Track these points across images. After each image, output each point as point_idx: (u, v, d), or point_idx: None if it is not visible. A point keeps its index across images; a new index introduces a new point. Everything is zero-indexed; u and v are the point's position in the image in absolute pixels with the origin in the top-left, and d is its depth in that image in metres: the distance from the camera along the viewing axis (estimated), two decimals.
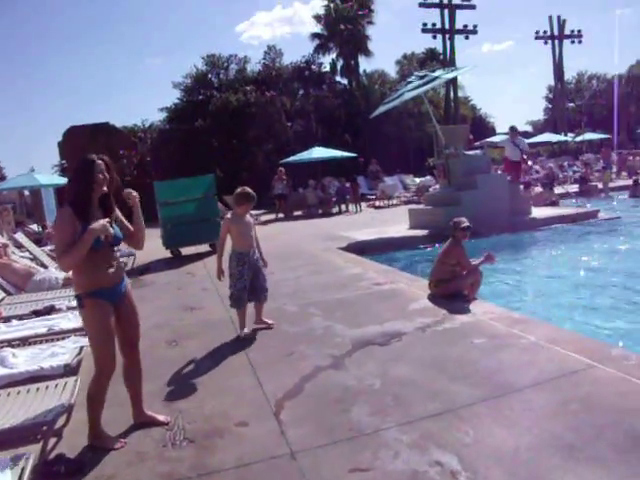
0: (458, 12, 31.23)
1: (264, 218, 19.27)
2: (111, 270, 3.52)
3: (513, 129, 15.40)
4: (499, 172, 16.44)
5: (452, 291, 6.23)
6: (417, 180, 24.20)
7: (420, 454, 3.09)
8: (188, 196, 11.91)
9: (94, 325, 3.47)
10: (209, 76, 34.59)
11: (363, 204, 21.12)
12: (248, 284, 5.62)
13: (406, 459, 3.06)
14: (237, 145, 28.27)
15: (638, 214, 14.80)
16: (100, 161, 3.47)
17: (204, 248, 12.24)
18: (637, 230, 12.30)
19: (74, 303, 6.13)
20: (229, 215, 5.77)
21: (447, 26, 31.06)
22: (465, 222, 6.40)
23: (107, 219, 3.46)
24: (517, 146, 14.97)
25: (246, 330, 5.67)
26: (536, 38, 37.35)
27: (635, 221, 13.54)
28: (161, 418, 3.80)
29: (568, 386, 3.72)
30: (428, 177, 23.30)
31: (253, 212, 19.39)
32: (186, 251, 12.06)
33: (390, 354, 4.71)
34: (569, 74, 51.04)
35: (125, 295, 3.65)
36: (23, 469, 2.67)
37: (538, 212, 13.52)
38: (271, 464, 3.16)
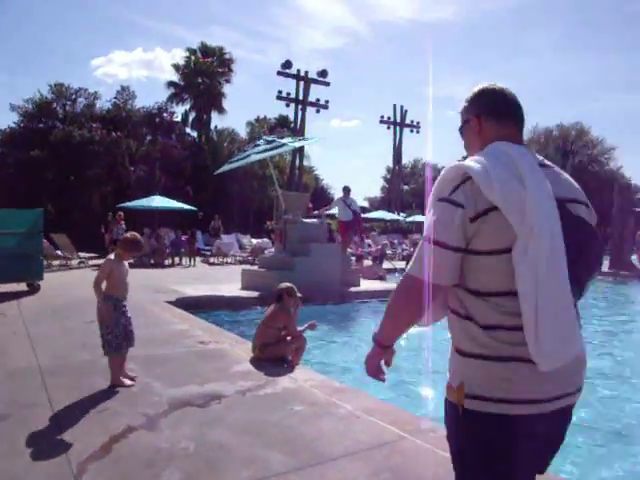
0: (313, 86, 32.81)
1: (93, 262, 18.29)
2: None
3: (345, 189, 15.92)
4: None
5: (277, 355, 6.24)
6: (254, 241, 24.44)
7: None
8: (10, 229, 10.94)
9: None
10: (54, 105, 32.96)
11: (198, 259, 20.85)
12: (122, 330, 5.28)
13: None
14: (74, 182, 26.90)
15: None
16: None
17: (22, 287, 11.29)
18: None
19: None
20: (112, 256, 5.45)
21: (301, 97, 32.39)
22: (296, 291, 6.57)
23: None
24: (348, 206, 15.48)
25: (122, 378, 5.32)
26: (380, 122, 40.27)
27: None
28: None
29: (380, 456, 3.80)
30: (265, 239, 23.65)
31: (82, 254, 18.58)
32: (0, 288, 11.01)
33: (208, 417, 4.55)
34: (406, 158, 55.31)
35: None
36: None
37: (366, 285, 14.12)
38: None
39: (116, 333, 5.26)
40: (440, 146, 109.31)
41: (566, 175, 2.00)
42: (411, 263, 1.87)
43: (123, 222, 20.19)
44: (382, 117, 40.21)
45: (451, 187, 1.77)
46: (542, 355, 1.69)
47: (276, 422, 4.42)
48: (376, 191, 69.50)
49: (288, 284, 6.73)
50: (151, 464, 3.65)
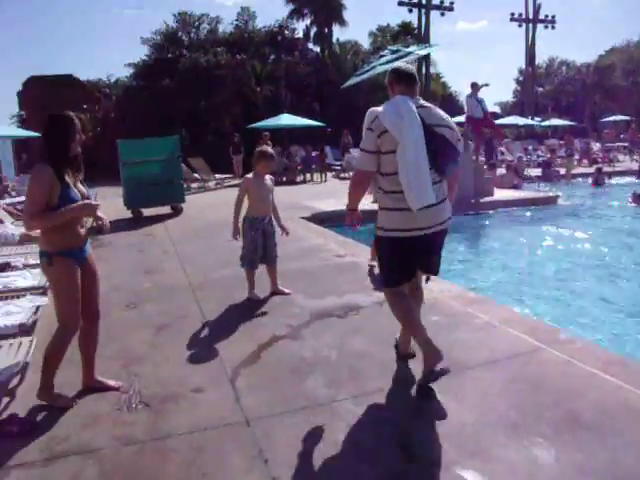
0: None
1: (229, 183, 19.11)
2: (82, 230, 3.51)
3: (474, 85, 14.78)
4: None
5: None
6: None
7: (369, 427, 3.19)
8: (152, 157, 11.65)
9: (63, 284, 3.43)
10: (179, 34, 33.78)
11: (329, 175, 21.10)
12: (260, 249, 5.57)
13: (354, 431, 3.14)
14: (205, 106, 27.78)
15: (598, 201, 15.17)
16: (77, 120, 3.44)
17: (166, 210, 12.12)
18: (595, 217, 12.65)
19: (31, 261, 6.06)
20: (250, 175, 5.61)
21: (424, 1, 30.85)
22: None
23: (97, 202, 3.54)
24: (480, 103, 14.43)
25: (256, 292, 5.69)
26: (511, 20, 37.48)
27: (594, 208, 13.91)
28: (112, 383, 3.79)
29: (516, 366, 3.86)
30: None
31: (218, 176, 19.43)
32: (147, 212, 11.91)
33: (347, 326, 4.79)
34: (540, 58, 51.33)
35: (88, 257, 3.62)
36: None
37: (500, 194, 13.72)
38: (225, 430, 3.21)
39: (250, 249, 5.54)
40: (579, 40, 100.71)
41: (437, 110, 3.62)
42: (355, 163, 3.69)
43: (269, 143, 20.64)
44: (512, 14, 37.37)
45: (369, 121, 3.52)
46: (412, 203, 3.34)
47: None
48: (507, 95, 65.83)
49: None
50: (296, 370, 3.95)
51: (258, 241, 5.54)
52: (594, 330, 5.75)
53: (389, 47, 15.85)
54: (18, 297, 4.81)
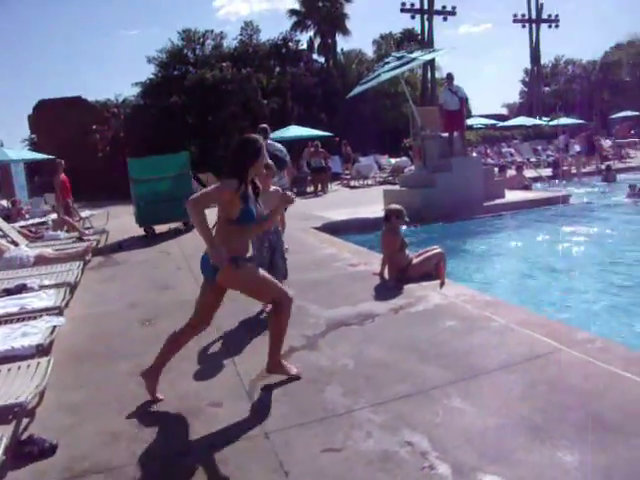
0: None
1: None
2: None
3: (449, 76, 14.41)
4: (474, 154, 16.34)
5: (419, 274, 6.27)
6: (392, 161, 24.10)
7: (391, 434, 3.15)
8: (162, 173, 11.76)
9: (254, 278, 3.89)
10: (185, 51, 33.99)
11: (337, 184, 21.14)
12: (267, 261, 5.52)
13: (378, 439, 3.11)
14: (212, 122, 27.95)
15: (609, 199, 15.07)
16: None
17: (178, 226, 12.18)
18: (607, 215, 12.56)
19: (46, 282, 6.10)
20: None
21: (426, 6, 30.96)
22: (404, 214, 6.50)
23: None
24: (455, 93, 13.84)
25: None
26: (514, 21, 37.63)
27: (606, 206, 13.82)
28: (294, 372, 4.05)
29: (536, 369, 3.81)
30: (404, 158, 23.17)
31: None
32: (159, 229, 11.97)
33: (363, 335, 4.77)
34: (545, 58, 51.17)
35: None
36: None
37: (511, 195, 13.66)
38: (245, 444, 3.20)
39: (256, 263, 5.47)
40: (584, 38, 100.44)
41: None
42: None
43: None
44: (515, 15, 37.49)
45: None
46: None
47: (429, 338, 4.54)
48: (514, 97, 65.52)
49: (397, 206, 6.62)
50: (315, 381, 3.94)
51: (265, 253, 5.52)
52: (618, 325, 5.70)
53: (393, 54, 15.89)
54: (35, 318, 4.83)
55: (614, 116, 41.73)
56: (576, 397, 3.36)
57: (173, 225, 12.21)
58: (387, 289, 6.06)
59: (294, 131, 23.81)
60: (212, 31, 35.18)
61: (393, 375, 3.92)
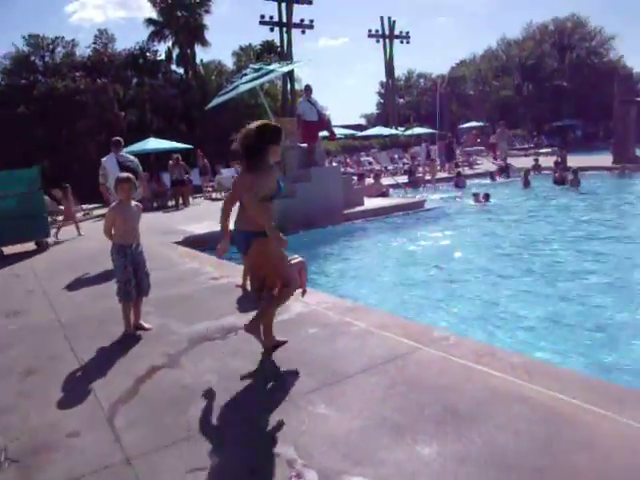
0: (295, 6, 31.72)
1: (98, 212, 18.30)
2: None
3: (307, 87, 14.61)
4: (334, 163, 16.74)
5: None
6: None
7: (258, 447, 3.11)
8: (9, 190, 10.92)
9: (279, 253, 4.25)
10: (32, 58, 32.09)
11: (200, 197, 20.87)
12: (132, 276, 5.23)
13: (245, 453, 3.06)
14: (66, 135, 26.50)
15: (459, 204, 16.14)
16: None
17: (30, 246, 11.38)
18: (459, 218, 13.44)
19: None
20: (114, 203, 5.33)
21: (284, 19, 31.42)
22: None
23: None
24: (313, 105, 13.99)
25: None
26: (369, 36, 39.22)
27: (457, 210, 14.80)
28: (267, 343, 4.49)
29: (395, 369, 3.94)
30: None
31: (85, 206, 18.56)
32: (9, 250, 11.12)
33: (227, 349, 4.69)
34: (399, 71, 54.01)
35: None
36: None
37: (370, 203, 14.14)
38: (105, 473, 3.00)
39: (123, 280, 5.24)
40: (432, 54, 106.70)
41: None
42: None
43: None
44: (370, 31, 39.12)
45: None
46: None
47: (293, 346, 4.55)
48: (372, 108, 68.33)
49: None
50: (177, 400, 3.80)
51: (129, 268, 5.29)
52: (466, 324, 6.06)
53: (251, 65, 15.95)
54: None
55: (462, 126, 44.83)
56: (433, 392, 3.52)
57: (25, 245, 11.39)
58: (250, 301, 6.01)
59: (153, 144, 23.15)
60: (63, 38, 33.62)
61: (259, 387, 3.89)
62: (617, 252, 9.06)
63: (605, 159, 23.69)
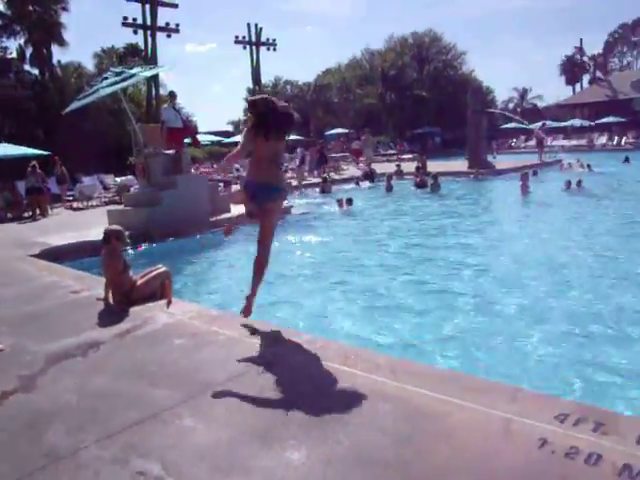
0: (161, 9, 30.90)
1: None
2: None
3: (172, 94, 14.87)
4: (200, 169, 16.48)
5: (144, 295, 6.13)
6: (118, 180, 23.21)
7: (122, 467, 2.99)
8: None
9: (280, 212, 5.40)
10: None
11: (59, 206, 19.85)
12: None
13: (107, 476, 2.94)
14: None
15: (324, 209, 16.69)
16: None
17: None
18: (321, 223, 13.95)
19: None
20: None
21: (149, 22, 30.52)
22: (125, 236, 6.43)
23: None
24: (178, 112, 14.25)
25: None
26: (235, 42, 39.14)
27: (321, 215, 15.31)
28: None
29: (265, 375, 3.96)
30: (130, 177, 22.41)
31: None
32: None
33: (88, 366, 4.49)
34: (267, 78, 54.35)
35: None
36: None
37: (237, 210, 14.08)
38: None
39: None
40: (299, 62, 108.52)
41: None
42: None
43: None
44: (237, 37, 39.04)
45: None
46: None
47: (158, 359, 4.46)
48: (239, 114, 68.12)
49: (117, 227, 6.52)
50: (33, 424, 3.57)
51: None
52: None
53: (112, 69, 15.44)
54: None
55: (328, 133, 45.98)
56: (303, 397, 3.58)
57: None
58: (112, 314, 5.81)
59: (4, 150, 21.65)
60: None
61: (121, 404, 3.75)
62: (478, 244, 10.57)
63: (462, 164, 25.73)
